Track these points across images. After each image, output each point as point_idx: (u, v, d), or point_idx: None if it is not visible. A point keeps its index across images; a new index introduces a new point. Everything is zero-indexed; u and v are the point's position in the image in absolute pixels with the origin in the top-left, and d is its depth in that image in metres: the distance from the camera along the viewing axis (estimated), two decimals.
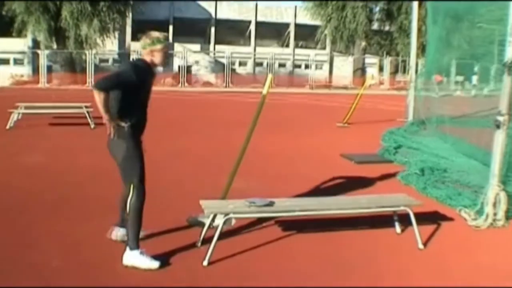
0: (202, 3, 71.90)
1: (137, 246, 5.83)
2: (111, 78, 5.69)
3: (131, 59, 52.86)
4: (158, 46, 5.89)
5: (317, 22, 60.23)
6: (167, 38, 6.04)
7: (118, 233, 6.48)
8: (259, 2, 73.33)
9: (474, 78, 27.99)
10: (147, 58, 5.93)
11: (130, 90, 5.71)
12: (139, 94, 5.84)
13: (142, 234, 6.51)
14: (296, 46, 75.07)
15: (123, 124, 5.75)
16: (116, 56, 62.47)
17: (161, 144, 13.29)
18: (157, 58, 5.93)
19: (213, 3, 71.86)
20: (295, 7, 72.12)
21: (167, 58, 6.09)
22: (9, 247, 6.32)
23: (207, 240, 6.27)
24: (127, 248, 5.84)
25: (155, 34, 5.98)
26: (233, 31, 73.26)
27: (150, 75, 6.01)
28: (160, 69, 6.32)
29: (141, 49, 5.99)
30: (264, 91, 7.32)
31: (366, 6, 56.24)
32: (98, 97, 5.54)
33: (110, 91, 5.61)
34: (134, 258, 5.77)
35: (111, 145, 5.92)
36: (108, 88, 5.60)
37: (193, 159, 12.61)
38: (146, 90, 5.94)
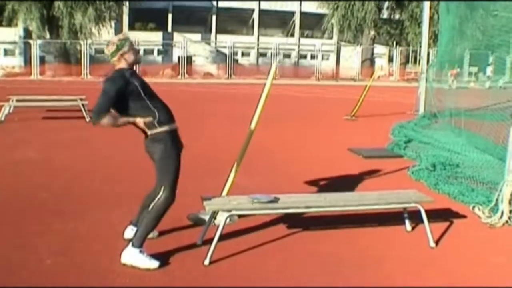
0: None
1: (141, 245, 5.86)
2: (101, 101, 5.79)
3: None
4: (125, 48, 6.01)
5: (323, 10, 60.23)
6: (127, 37, 6.17)
7: (132, 232, 6.55)
8: None
9: (489, 69, 28.00)
10: (121, 65, 6.04)
11: (127, 99, 5.86)
12: (139, 94, 5.90)
13: (154, 234, 6.60)
14: (302, 35, 75.10)
15: (147, 119, 5.85)
16: None
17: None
18: (130, 58, 6.06)
19: None
20: None
21: (136, 56, 6.16)
22: (1, 246, 6.34)
23: (208, 239, 6.28)
24: (130, 244, 5.87)
25: (114, 39, 6.14)
26: (235, 19, 73.31)
27: (132, 78, 6.01)
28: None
29: (110, 60, 6.09)
30: (268, 83, 7.32)
31: None
32: (103, 124, 5.75)
33: (106, 112, 5.75)
34: (133, 256, 5.79)
35: (149, 148, 6.05)
36: (103, 113, 5.74)
37: (194, 155, 12.61)
38: (142, 87, 5.97)
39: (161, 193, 5.94)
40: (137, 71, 6.30)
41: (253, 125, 7.30)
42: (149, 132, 5.95)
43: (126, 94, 5.83)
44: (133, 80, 5.94)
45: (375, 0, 56.32)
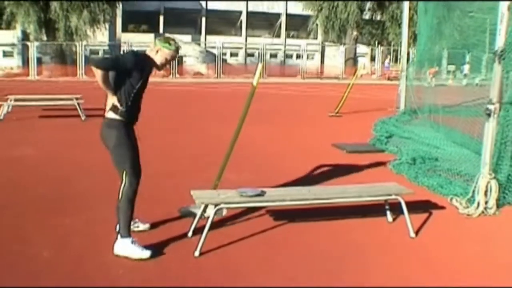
0: None
1: (128, 234, 5.85)
2: (109, 59, 5.89)
3: (122, 50, 53.03)
4: (165, 49, 6.00)
5: (308, 12, 60.32)
6: (177, 49, 6.13)
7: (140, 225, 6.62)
8: None
9: (466, 68, 28.10)
10: (151, 54, 6.04)
11: (125, 76, 5.82)
12: (135, 82, 5.87)
13: (146, 226, 6.64)
14: (288, 36, 75.17)
15: (119, 106, 5.80)
16: (106, 48, 62.37)
17: (152, 136, 13.26)
18: (159, 58, 6.03)
19: None
20: None
21: (165, 63, 6.11)
22: (0, 239, 6.32)
23: (198, 231, 6.29)
24: (119, 236, 5.86)
25: (171, 38, 6.19)
26: (224, 21, 73.31)
27: (148, 68, 6.05)
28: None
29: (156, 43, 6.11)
30: (254, 82, 7.30)
31: None
32: (99, 77, 5.67)
33: (106, 70, 5.71)
34: (125, 247, 5.79)
35: (103, 133, 5.96)
36: (107, 67, 5.73)
37: (185, 151, 12.61)
38: (142, 81, 5.95)
39: (124, 179, 5.88)
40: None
41: (240, 122, 7.29)
42: (106, 115, 5.91)
43: (130, 74, 5.82)
44: (145, 72, 5.95)
45: (357, 0, 56.41)
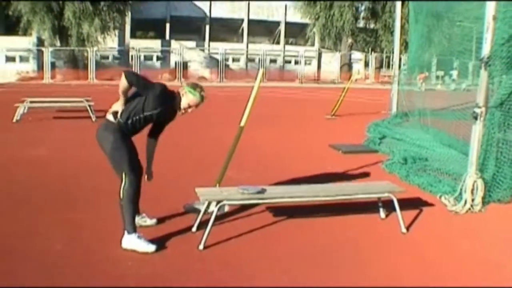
0: (197, 2, 71.75)
1: (134, 230, 5.86)
2: (140, 77, 5.85)
3: (130, 56, 53.14)
4: (191, 95, 6.03)
5: (306, 20, 60.31)
6: (202, 98, 6.13)
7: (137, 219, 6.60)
8: (251, 2, 73.22)
9: (454, 73, 28.04)
10: (180, 95, 6.05)
11: (143, 99, 5.85)
12: (147, 109, 5.87)
13: (153, 221, 6.65)
14: (286, 43, 75.03)
15: (118, 116, 5.81)
16: (116, 53, 62.41)
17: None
18: (183, 101, 6.04)
19: (208, 2, 71.73)
20: (285, 6, 72.04)
21: (186, 109, 6.10)
22: (15, 234, 6.33)
23: (202, 226, 6.30)
24: (125, 232, 5.87)
25: (199, 86, 6.17)
26: (226, 28, 73.21)
27: (170, 108, 6.07)
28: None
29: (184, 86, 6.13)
30: (255, 87, 7.31)
31: (352, 5, 56.31)
32: (122, 85, 5.69)
33: (130, 84, 5.71)
34: (132, 242, 5.80)
35: (99, 135, 5.98)
36: (130, 79, 5.69)
37: (189, 151, 12.62)
38: (155, 114, 5.94)
39: (124, 179, 5.87)
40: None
41: (242, 123, 7.30)
42: (106, 116, 5.93)
43: (147, 100, 5.83)
44: (163, 107, 5.93)
45: (354, 0, 56.38)
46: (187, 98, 6.02)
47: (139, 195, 6.06)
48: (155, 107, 5.86)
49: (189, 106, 6.07)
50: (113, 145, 5.84)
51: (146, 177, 6.58)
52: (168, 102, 5.97)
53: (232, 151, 7.40)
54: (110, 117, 5.89)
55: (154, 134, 6.56)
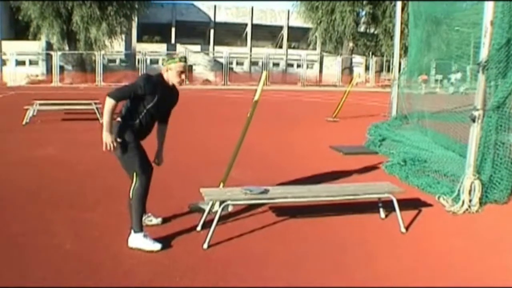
0: (202, 7, 71.89)
1: (140, 229, 5.88)
2: (123, 89, 5.85)
3: (137, 60, 53.25)
4: (172, 65, 5.97)
5: (308, 25, 60.35)
6: (182, 59, 6.07)
7: (153, 219, 6.65)
8: (254, 6, 73.36)
9: (455, 76, 28.06)
10: (164, 75, 6.03)
11: (137, 98, 5.83)
12: (147, 104, 5.87)
13: (158, 220, 6.66)
14: (289, 47, 75.19)
15: (117, 140, 5.82)
16: (123, 57, 62.60)
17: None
18: (171, 75, 5.99)
19: (213, 7, 71.86)
20: (288, 11, 72.27)
21: (181, 77, 6.04)
22: (24, 232, 6.34)
23: (207, 225, 6.31)
24: (132, 231, 5.89)
25: (177, 56, 6.10)
26: (230, 33, 73.37)
27: (164, 90, 6.00)
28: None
29: (164, 64, 6.10)
30: (256, 96, 7.31)
31: (353, 10, 56.28)
32: (108, 104, 5.70)
33: (120, 101, 5.76)
34: (138, 240, 5.83)
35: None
36: (119, 98, 5.74)
37: (194, 151, 12.63)
38: (154, 102, 5.92)
39: (135, 179, 5.89)
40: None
41: (246, 125, 7.32)
42: (118, 118, 5.94)
43: (142, 98, 5.83)
44: (158, 92, 5.89)
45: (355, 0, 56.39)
46: (173, 69, 5.97)
47: (147, 195, 6.07)
48: (152, 96, 5.86)
49: (180, 74, 6.01)
50: (125, 145, 5.85)
51: (156, 161, 6.62)
52: (159, 85, 5.94)
53: (236, 153, 7.41)
54: (119, 119, 5.90)
55: (163, 120, 6.56)
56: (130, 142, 5.88)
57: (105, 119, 5.73)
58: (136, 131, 5.92)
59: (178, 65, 5.98)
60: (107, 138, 5.75)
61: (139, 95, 5.80)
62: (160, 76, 6.04)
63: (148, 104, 5.88)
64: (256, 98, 7.27)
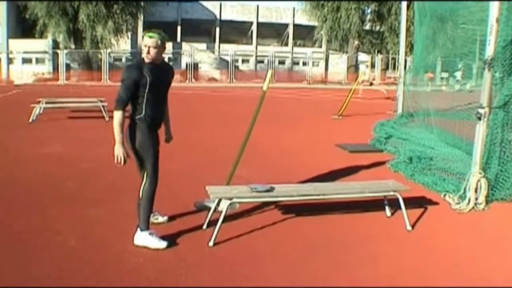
0: (208, 5, 71.90)
1: (147, 227, 5.89)
2: (119, 94, 5.72)
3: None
4: (144, 42, 5.79)
5: (313, 22, 60.23)
6: (149, 35, 5.78)
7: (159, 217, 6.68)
8: (260, 4, 73.40)
9: (458, 74, 27.95)
10: (144, 55, 5.82)
11: (135, 91, 5.73)
12: (142, 90, 5.74)
13: (164, 219, 6.67)
14: (295, 44, 75.09)
15: (129, 155, 5.79)
16: (129, 55, 62.65)
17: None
18: (152, 51, 5.77)
19: (218, 5, 71.87)
20: (293, 8, 72.16)
21: (150, 52, 5.76)
22: (29, 229, 6.36)
23: (212, 223, 6.30)
24: (138, 229, 5.90)
25: (159, 32, 5.88)
26: (236, 31, 73.30)
27: (152, 69, 5.79)
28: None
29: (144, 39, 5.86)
30: (265, 87, 7.31)
31: (358, 8, 56.18)
32: (116, 118, 5.70)
33: (125, 105, 5.71)
34: (144, 238, 5.83)
35: (128, 135, 5.91)
36: (122, 103, 5.68)
37: (200, 149, 12.62)
38: (148, 85, 5.74)
39: (145, 178, 5.90)
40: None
41: (251, 124, 7.31)
42: (130, 121, 5.87)
43: (136, 87, 5.70)
44: (148, 74, 5.72)
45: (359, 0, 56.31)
46: (143, 45, 5.78)
47: (155, 195, 6.06)
48: (144, 80, 5.68)
49: (147, 50, 5.73)
50: (140, 143, 5.83)
51: (165, 139, 6.60)
52: (143, 66, 5.75)
53: (242, 151, 7.40)
54: (130, 120, 5.86)
55: (164, 101, 6.31)
56: (148, 140, 5.86)
57: (116, 133, 5.71)
58: (148, 124, 5.86)
59: (144, 40, 5.78)
60: (119, 151, 5.73)
61: (135, 85, 5.67)
62: (139, 61, 5.89)
63: (145, 90, 5.73)
64: (264, 88, 7.26)
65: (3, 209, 7.19)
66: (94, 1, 48.89)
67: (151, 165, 5.88)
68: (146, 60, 5.78)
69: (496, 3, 7.71)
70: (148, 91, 5.77)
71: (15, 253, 5.58)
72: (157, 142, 5.99)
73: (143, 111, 5.80)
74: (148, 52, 5.76)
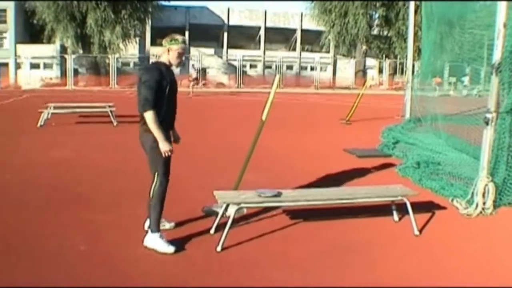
0: (216, 10, 72.03)
1: (158, 229, 5.95)
2: (145, 93, 5.77)
3: (148, 63, 53.51)
4: (174, 46, 5.96)
5: (321, 27, 60.29)
6: (184, 41, 6.07)
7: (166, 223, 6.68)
8: (268, 9, 73.48)
9: (465, 79, 27.95)
10: (164, 57, 6.03)
11: (159, 90, 5.83)
12: (163, 90, 5.86)
13: (171, 225, 6.68)
14: (302, 49, 75.14)
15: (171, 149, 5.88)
16: (136, 60, 62.83)
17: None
18: (172, 56, 6.00)
19: (226, 10, 71.99)
20: (301, 13, 72.19)
21: (181, 58, 6.08)
22: (38, 234, 6.39)
23: (220, 228, 6.32)
24: (149, 231, 5.96)
25: (175, 35, 6.08)
26: (244, 36, 73.38)
27: (168, 72, 6.01)
28: (176, 70, 6.30)
29: (164, 44, 6.06)
30: (272, 93, 7.33)
31: (366, 13, 56.22)
32: (149, 118, 5.75)
33: (155, 105, 5.76)
34: (154, 240, 5.89)
35: (141, 136, 6.00)
36: (152, 103, 5.74)
37: (208, 154, 12.65)
38: (169, 86, 5.93)
39: (155, 180, 5.95)
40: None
41: (259, 128, 7.33)
42: (143, 123, 5.92)
43: (160, 87, 5.81)
44: (167, 76, 5.91)
45: (366, 0, 56.31)
46: (174, 50, 5.97)
47: (165, 197, 6.10)
48: (165, 81, 5.86)
49: (180, 55, 6.04)
50: (153, 144, 5.88)
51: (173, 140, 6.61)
52: (162, 69, 5.94)
53: (249, 155, 7.43)
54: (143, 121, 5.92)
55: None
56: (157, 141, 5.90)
57: (156, 132, 5.79)
58: (164, 126, 5.92)
59: (180, 46, 6.00)
60: (165, 147, 5.83)
61: (158, 85, 5.79)
62: (157, 62, 6.10)
63: (165, 92, 5.89)
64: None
65: (13, 214, 7.24)
66: (102, 4, 49.07)
67: (162, 166, 5.94)
68: (174, 64, 6.06)
69: (504, 7, 7.72)
70: (168, 93, 5.94)
71: (26, 258, 5.61)
72: (169, 142, 6.05)
73: (162, 113, 5.89)
74: (180, 58, 6.05)
